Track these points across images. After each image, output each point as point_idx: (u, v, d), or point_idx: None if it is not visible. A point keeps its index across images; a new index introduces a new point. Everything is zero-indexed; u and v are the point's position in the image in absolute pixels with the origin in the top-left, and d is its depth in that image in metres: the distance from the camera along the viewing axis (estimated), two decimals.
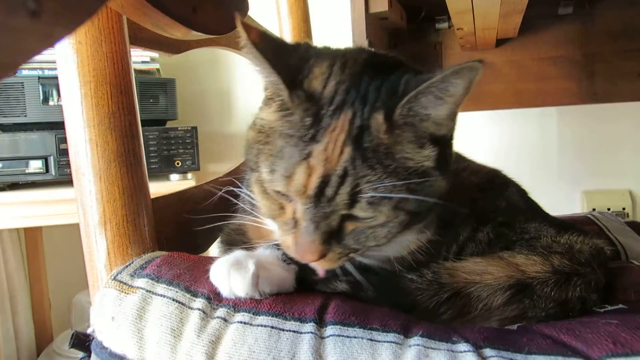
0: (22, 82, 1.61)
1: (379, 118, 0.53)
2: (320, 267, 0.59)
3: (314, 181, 0.52)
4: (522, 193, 0.82)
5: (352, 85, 0.56)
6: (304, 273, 0.60)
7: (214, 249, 0.85)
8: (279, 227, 0.59)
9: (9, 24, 0.15)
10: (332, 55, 0.60)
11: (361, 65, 0.58)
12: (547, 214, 0.82)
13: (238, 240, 0.73)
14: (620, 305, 0.65)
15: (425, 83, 0.52)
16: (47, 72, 1.63)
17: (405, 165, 0.54)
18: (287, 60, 0.57)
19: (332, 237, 0.55)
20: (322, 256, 0.55)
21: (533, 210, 0.81)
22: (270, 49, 0.54)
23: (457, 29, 1.46)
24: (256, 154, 0.58)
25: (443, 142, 0.58)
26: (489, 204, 0.75)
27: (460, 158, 0.85)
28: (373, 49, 0.69)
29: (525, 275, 0.62)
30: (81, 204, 0.64)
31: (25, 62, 0.17)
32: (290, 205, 0.56)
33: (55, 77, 1.72)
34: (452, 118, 0.57)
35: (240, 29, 0.53)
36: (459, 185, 0.76)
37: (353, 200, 0.52)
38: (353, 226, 0.55)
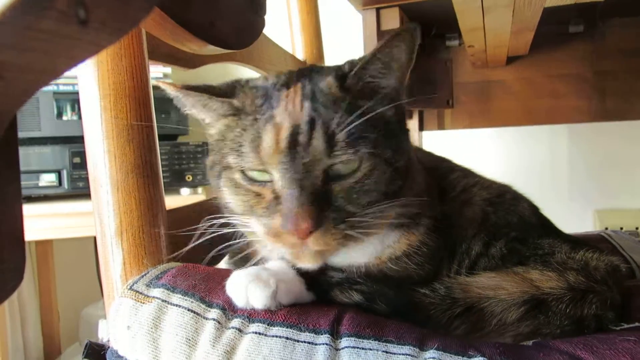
0: (37, 97, 1.64)
1: (329, 80, 0.58)
2: (318, 246, 0.54)
3: (284, 132, 0.53)
4: (534, 209, 0.82)
5: (292, 75, 0.62)
6: (317, 280, 0.61)
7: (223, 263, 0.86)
8: (260, 218, 0.57)
9: (61, 32, 0.15)
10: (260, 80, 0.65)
11: (296, 72, 0.64)
12: (560, 230, 0.81)
13: (245, 257, 0.73)
14: (637, 324, 0.64)
15: (370, 52, 0.56)
16: (62, 88, 1.66)
17: (370, 109, 0.56)
18: (218, 88, 0.62)
19: (321, 199, 0.53)
20: (317, 224, 0.52)
21: (546, 226, 0.80)
22: (199, 87, 0.61)
23: (468, 47, 1.47)
24: (219, 159, 0.60)
25: (399, 108, 0.62)
26: (501, 219, 0.75)
27: (470, 173, 0.85)
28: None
29: (540, 291, 0.61)
30: (98, 215, 0.65)
31: (71, 68, 0.18)
32: (267, 188, 0.56)
33: (70, 93, 1.73)
34: (400, 88, 0.61)
35: (163, 85, 0.60)
36: (468, 201, 0.76)
37: (330, 144, 0.53)
38: (339, 187, 0.55)
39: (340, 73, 0.58)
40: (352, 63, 0.60)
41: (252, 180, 0.57)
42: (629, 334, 0.55)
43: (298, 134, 0.53)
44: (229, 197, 0.60)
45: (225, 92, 0.60)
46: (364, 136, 0.55)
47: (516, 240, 0.72)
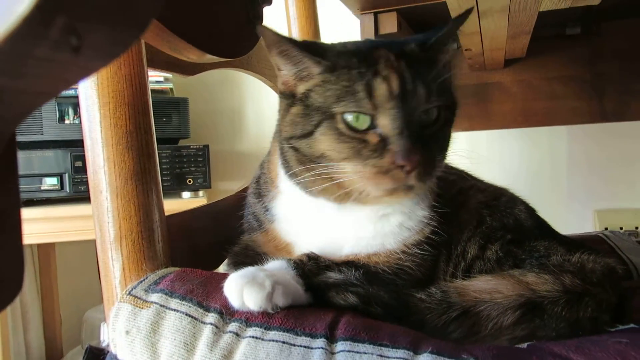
0: None
1: (413, 46, 0.67)
2: (416, 179, 0.62)
3: (394, 83, 0.61)
4: (531, 211, 0.82)
5: (368, 45, 0.70)
6: (315, 281, 0.62)
7: (223, 266, 0.87)
8: (367, 160, 0.62)
9: (54, 58, 0.16)
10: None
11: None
12: (557, 232, 0.82)
13: (246, 259, 0.74)
14: (632, 325, 0.65)
15: (444, 29, 0.68)
16: (64, 92, 1.67)
17: (445, 65, 0.67)
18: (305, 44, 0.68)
19: (419, 141, 0.61)
20: (421, 158, 0.60)
21: (542, 228, 0.81)
22: (292, 41, 0.66)
23: (466, 50, 1.48)
24: (315, 111, 0.65)
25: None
26: (496, 222, 0.75)
27: (466, 176, 0.86)
28: None
29: (536, 294, 0.61)
30: (98, 221, 0.66)
31: (65, 90, 0.19)
32: (371, 134, 0.62)
33: (71, 97, 1.73)
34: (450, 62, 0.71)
35: (266, 30, 0.63)
36: (464, 203, 0.77)
37: (428, 91, 0.62)
38: (429, 132, 0.64)
39: (419, 43, 0.68)
40: (424, 40, 0.68)
41: (355, 130, 0.62)
42: (622, 336, 0.56)
43: (405, 84, 0.62)
44: (329, 146, 0.64)
45: (316, 50, 0.66)
46: (445, 89, 0.65)
47: (512, 243, 0.72)
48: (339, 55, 0.66)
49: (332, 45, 0.70)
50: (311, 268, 0.63)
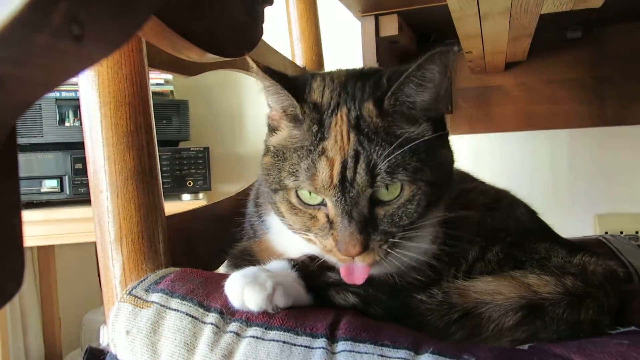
0: (40, 104, 1.65)
1: (369, 106, 0.60)
2: (364, 262, 0.59)
3: (337, 168, 0.58)
4: (532, 213, 0.82)
5: (341, 89, 0.64)
6: (316, 281, 0.61)
7: (222, 268, 0.86)
8: (315, 236, 0.62)
9: (56, 47, 0.16)
10: (321, 74, 0.69)
11: (345, 76, 0.67)
12: (558, 235, 0.81)
13: (244, 262, 0.74)
14: (633, 327, 0.64)
15: (404, 74, 0.59)
16: (64, 94, 1.67)
17: (408, 138, 0.59)
18: (291, 82, 0.64)
19: (368, 225, 0.58)
20: (365, 247, 0.57)
21: (543, 230, 0.80)
22: (277, 75, 0.63)
23: (467, 53, 1.48)
24: (277, 173, 0.63)
25: (437, 119, 0.64)
26: (497, 224, 0.75)
27: (468, 178, 0.85)
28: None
29: (538, 296, 0.61)
30: (98, 221, 0.65)
31: (65, 81, 0.19)
32: (321, 211, 0.60)
33: (72, 99, 1.74)
34: (437, 101, 0.63)
35: (250, 61, 0.61)
36: (466, 205, 0.77)
37: (372, 175, 0.57)
38: (383, 211, 0.59)
39: (379, 94, 0.61)
40: (389, 79, 0.62)
41: (307, 204, 0.61)
42: (623, 338, 0.56)
43: (346, 169, 0.58)
44: (285, 214, 0.64)
45: (297, 91, 0.63)
46: (404, 164, 0.58)
47: (513, 245, 0.72)
48: (308, 115, 0.62)
49: (314, 91, 0.65)
50: (313, 269, 0.63)
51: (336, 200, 0.58)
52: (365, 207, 0.58)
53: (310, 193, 0.60)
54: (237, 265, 0.75)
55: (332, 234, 0.59)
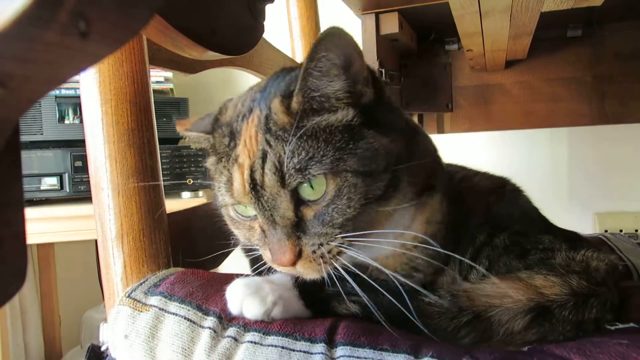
0: (40, 102, 1.65)
1: (275, 102, 0.56)
2: (305, 272, 0.56)
3: (246, 173, 0.54)
4: (531, 203, 0.83)
5: (260, 93, 0.60)
6: (317, 296, 0.61)
7: (224, 266, 0.86)
8: (259, 249, 0.59)
9: (63, 43, 0.16)
10: (248, 89, 0.65)
11: (267, 80, 0.63)
12: (555, 225, 0.82)
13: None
14: (632, 324, 0.64)
15: (302, 69, 0.53)
16: (64, 92, 1.67)
17: (319, 127, 0.54)
18: (211, 119, 0.65)
19: (297, 230, 0.54)
20: (298, 253, 0.54)
21: (544, 220, 0.81)
22: (200, 124, 0.65)
23: (467, 51, 1.48)
24: (216, 191, 0.61)
25: (366, 103, 0.57)
26: (503, 209, 0.75)
27: (470, 169, 0.86)
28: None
29: (545, 298, 0.60)
30: (99, 218, 0.65)
31: (70, 78, 0.18)
32: (256, 222, 0.58)
33: (72, 97, 1.73)
34: (356, 82, 0.56)
35: (177, 128, 0.66)
36: (471, 189, 0.77)
37: (281, 174, 0.53)
38: (311, 211, 0.54)
39: (287, 92, 0.57)
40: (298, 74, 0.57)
41: (244, 217, 0.59)
42: (622, 337, 0.55)
43: (255, 172, 0.54)
44: (232, 229, 0.63)
45: (211, 124, 0.63)
46: (317, 156, 0.53)
47: (518, 233, 0.72)
48: (218, 133, 0.61)
49: (224, 115, 0.63)
50: (313, 288, 0.61)
51: (255, 206, 0.55)
52: (288, 209, 0.54)
53: (245, 206, 0.58)
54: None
55: (267, 243, 0.56)
